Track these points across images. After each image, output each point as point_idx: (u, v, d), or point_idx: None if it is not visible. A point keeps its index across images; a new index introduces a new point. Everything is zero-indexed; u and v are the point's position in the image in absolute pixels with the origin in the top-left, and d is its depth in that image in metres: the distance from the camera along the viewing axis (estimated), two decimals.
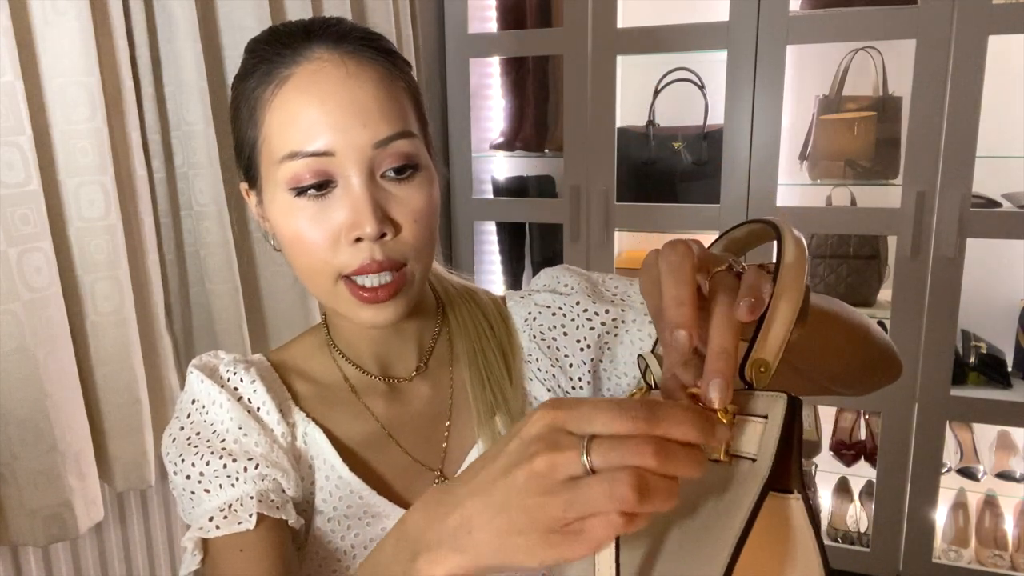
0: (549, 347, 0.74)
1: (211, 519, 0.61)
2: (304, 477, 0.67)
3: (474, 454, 0.70)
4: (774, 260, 0.47)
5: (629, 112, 2.12)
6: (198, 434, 0.65)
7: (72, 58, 1.07)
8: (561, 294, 0.76)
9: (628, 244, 2.39)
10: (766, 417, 0.41)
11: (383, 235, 0.60)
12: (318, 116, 0.58)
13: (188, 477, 0.63)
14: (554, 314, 0.74)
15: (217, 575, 0.61)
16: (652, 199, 2.06)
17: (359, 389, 0.71)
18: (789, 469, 0.40)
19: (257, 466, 0.63)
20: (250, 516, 0.60)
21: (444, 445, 0.71)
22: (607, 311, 0.74)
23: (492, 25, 2.25)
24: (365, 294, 0.61)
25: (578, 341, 0.73)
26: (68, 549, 1.21)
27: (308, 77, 0.59)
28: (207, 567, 0.62)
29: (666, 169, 2.06)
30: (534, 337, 0.74)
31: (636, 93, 2.12)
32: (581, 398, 0.38)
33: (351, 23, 0.63)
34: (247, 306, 1.41)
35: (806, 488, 0.41)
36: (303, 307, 1.48)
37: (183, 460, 0.64)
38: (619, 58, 1.94)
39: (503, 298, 0.79)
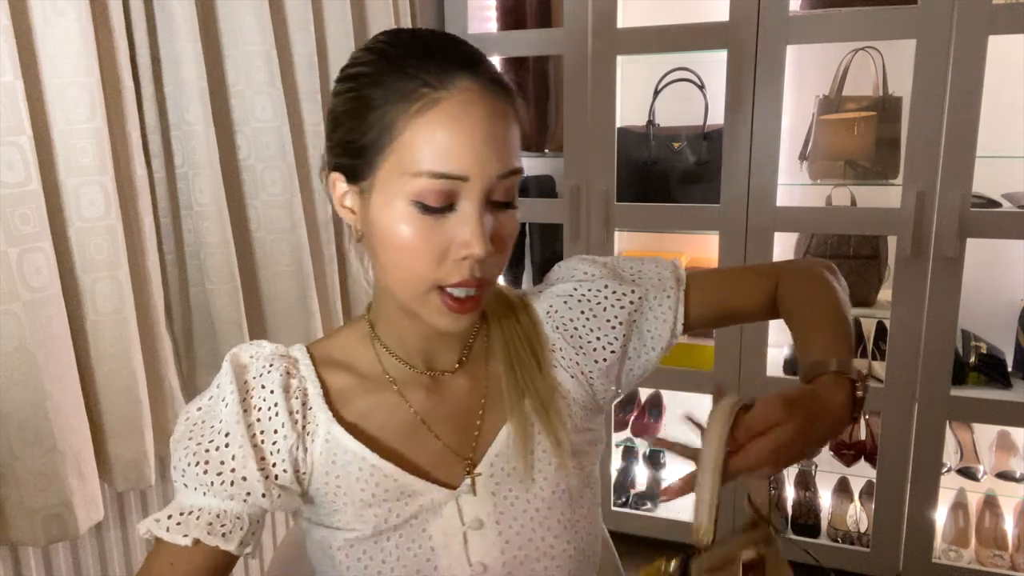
0: (572, 336, 0.79)
1: (170, 517, 0.69)
2: (327, 472, 0.73)
3: (503, 434, 0.76)
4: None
5: (629, 112, 2.11)
6: (203, 422, 0.71)
7: (72, 58, 1.06)
8: (583, 280, 0.82)
9: (628, 244, 2.39)
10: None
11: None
12: (464, 143, 0.63)
13: (175, 467, 0.71)
14: (579, 301, 0.80)
15: (150, 571, 0.69)
16: (652, 199, 2.06)
17: (399, 381, 0.76)
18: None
19: (223, 482, 0.69)
20: (184, 537, 0.67)
21: (476, 434, 0.76)
22: (633, 291, 0.81)
23: (492, 25, 2.25)
24: (455, 304, 0.66)
25: (608, 320, 0.80)
26: (68, 549, 1.21)
27: (459, 106, 0.63)
28: (151, 554, 0.70)
29: (666, 169, 2.06)
30: (556, 328, 0.80)
31: (636, 93, 2.12)
32: None
33: (480, 52, 0.68)
34: (247, 306, 1.41)
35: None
36: (303, 307, 1.48)
37: (180, 444, 0.71)
38: (619, 58, 1.94)
39: (523, 293, 0.85)
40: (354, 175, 0.68)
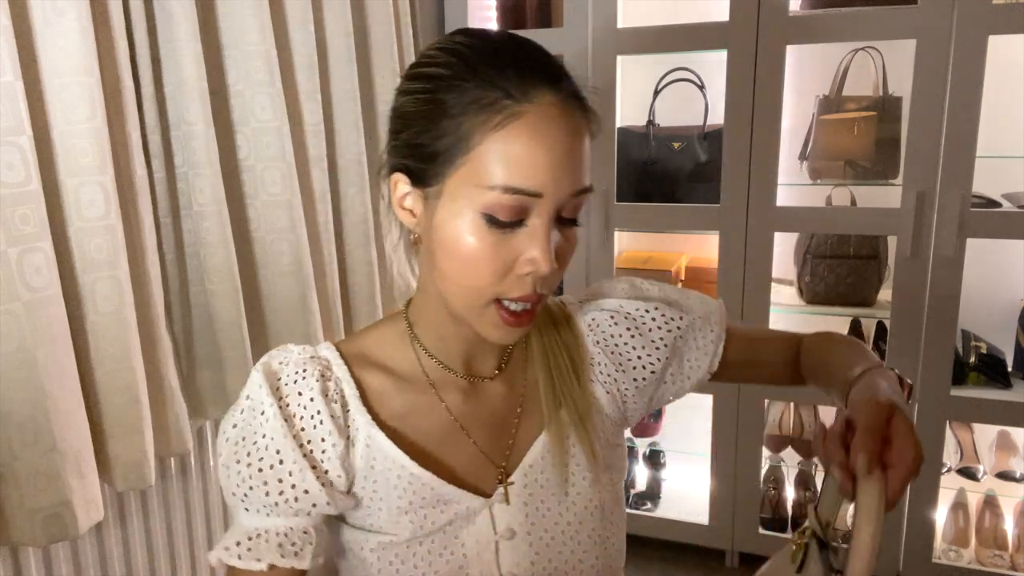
0: (612, 352, 0.80)
1: (238, 544, 0.67)
2: (366, 476, 0.71)
3: (538, 444, 0.76)
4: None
5: (629, 112, 2.12)
6: (244, 439, 0.69)
7: (72, 58, 1.06)
8: (631, 299, 0.82)
9: (628, 244, 2.40)
10: None
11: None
12: (541, 160, 0.61)
13: (234, 494, 0.69)
14: (625, 317, 0.81)
15: None
16: (652, 199, 2.06)
17: (437, 383, 0.75)
18: None
19: (287, 500, 0.67)
20: (258, 561, 0.66)
21: (511, 442, 0.76)
22: (681, 317, 0.82)
23: (492, 25, 2.25)
24: (511, 318, 0.65)
25: (653, 341, 0.80)
26: (68, 549, 1.21)
27: (539, 122, 0.61)
28: None
29: (666, 169, 2.06)
30: (597, 342, 0.80)
31: (636, 93, 2.12)
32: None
33: (561, 65, 0.66)
34: (247, 306, 1.41)
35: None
36: (303, 307, 1.48)
37: (230, 469, 0.69)
38: (619, 58, 1.94)
39: (561, 302, 0.84)
40: (420, 179, 0.66)
